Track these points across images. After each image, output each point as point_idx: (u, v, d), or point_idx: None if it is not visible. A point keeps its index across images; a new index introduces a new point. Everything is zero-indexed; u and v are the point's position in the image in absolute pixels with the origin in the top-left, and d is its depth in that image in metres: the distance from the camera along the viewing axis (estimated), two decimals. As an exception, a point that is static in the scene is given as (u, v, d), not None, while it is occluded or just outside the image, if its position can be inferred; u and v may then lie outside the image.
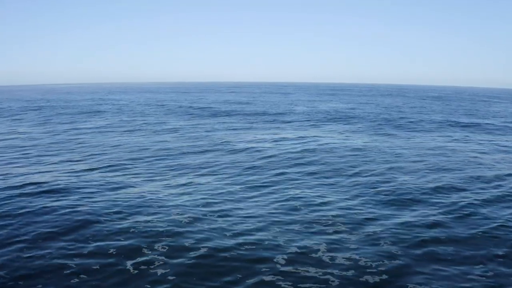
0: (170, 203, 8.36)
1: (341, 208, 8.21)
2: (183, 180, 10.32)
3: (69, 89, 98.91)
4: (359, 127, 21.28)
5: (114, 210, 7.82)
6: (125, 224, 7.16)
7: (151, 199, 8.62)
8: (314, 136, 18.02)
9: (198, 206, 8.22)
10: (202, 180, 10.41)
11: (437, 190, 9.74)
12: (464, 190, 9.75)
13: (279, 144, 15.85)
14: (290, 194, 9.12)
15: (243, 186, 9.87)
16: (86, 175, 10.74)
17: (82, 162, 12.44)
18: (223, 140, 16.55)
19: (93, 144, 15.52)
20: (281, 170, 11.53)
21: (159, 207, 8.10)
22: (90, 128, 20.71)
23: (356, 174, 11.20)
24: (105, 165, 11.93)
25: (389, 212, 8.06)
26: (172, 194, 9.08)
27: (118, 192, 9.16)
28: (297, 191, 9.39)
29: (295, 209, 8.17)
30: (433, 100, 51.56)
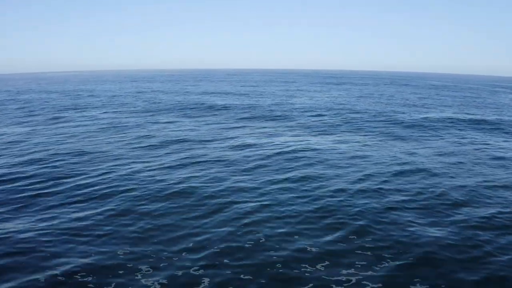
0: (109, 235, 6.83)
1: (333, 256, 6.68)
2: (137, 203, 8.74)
3: (66, 78, 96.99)
4: (364, 125, 19.14)
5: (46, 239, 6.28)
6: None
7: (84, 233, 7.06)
8: (313, 137, 15.87)
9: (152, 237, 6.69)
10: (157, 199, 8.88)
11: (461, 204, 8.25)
12: (493, 204, 8.21)
13: (274, 150, 13.45)
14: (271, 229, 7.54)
15: (211, 211, 8.22)
16: (29, 188, 9.16)
17: (33, 168, 10.84)
18: (208, 145, 14.27)
19: (60, 149, 13.88)
20: (267, 188, 9.76)
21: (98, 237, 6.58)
22: (70, 125, 19.09)
23: (360, 185, 9.67)
24: (57, 176, 10.25)
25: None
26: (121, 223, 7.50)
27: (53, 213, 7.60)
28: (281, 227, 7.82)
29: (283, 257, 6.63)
30: (439, 90, 49.75)
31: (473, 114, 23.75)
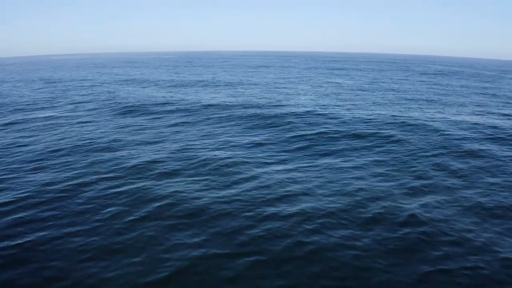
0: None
1: None
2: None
3: (60, 62, 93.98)
4: (374, 137, 14.56)
5: None
6: None
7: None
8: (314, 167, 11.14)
9: None
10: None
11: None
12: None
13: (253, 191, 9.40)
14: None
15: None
16: None
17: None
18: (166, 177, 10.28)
19: None
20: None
21: None
22: (16, 134, 16.89)
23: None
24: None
25: None
26: None
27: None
28: None
29: None
30: (448, 78, 46.47)
31: (498, 117, 19.54)
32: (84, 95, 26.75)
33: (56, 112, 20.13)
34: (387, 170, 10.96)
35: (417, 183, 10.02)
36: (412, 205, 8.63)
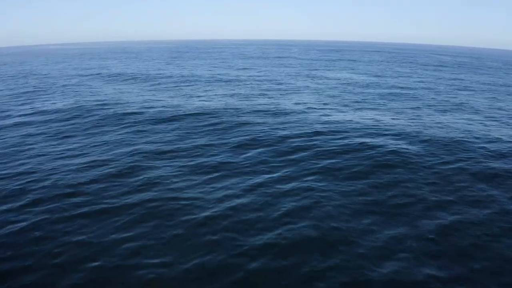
0: None
1: None
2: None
3: (57, 52, 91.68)
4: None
5: None
6: None
7: None
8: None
9: None
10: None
11: None
12: None
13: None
14: None
15: None
16: None
17: None
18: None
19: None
20: None
21: None
22: None
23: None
24: None
25: None
26: None
27: None
28: None
29: None
30: (460, 72, 44.40)
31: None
32: (63, 91, 24.79)
33: (28, 112, 18.20)
34: (400, 189, 9.25)
35: (435, 207, 8.35)
36: (432, 233, 7.01)
